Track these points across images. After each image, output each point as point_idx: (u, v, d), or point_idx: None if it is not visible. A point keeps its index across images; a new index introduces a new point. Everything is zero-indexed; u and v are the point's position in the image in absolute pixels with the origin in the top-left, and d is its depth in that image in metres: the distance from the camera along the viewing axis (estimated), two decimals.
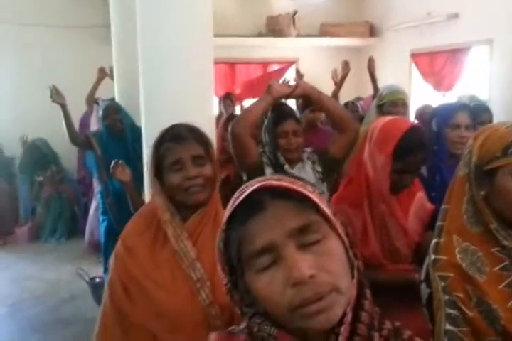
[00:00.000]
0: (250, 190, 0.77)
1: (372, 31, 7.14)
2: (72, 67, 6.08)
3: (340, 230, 0.78)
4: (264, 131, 2.39)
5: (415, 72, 6.36)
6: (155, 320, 1.40)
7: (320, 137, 3.22)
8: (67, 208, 6.22)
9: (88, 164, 4.87)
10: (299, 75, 5.93)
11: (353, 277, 0.77)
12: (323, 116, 3.71)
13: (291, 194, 0.76)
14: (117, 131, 3.55)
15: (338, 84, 4.66)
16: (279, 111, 2.46)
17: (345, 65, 4.61)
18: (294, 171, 2.30)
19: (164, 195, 1.46)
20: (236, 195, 0.79)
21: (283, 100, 4.33)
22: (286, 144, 2.35)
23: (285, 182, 0.77)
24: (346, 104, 4.36)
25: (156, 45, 1.88)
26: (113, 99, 3.76)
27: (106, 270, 3.62)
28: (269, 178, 0.79)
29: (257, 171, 2.27)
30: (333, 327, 0.74)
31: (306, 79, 5.81)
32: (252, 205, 0.76)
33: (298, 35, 7.03)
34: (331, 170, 2.38)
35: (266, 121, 2.42)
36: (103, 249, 3.67)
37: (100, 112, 3.60)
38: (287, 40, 6.95)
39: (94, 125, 5.56)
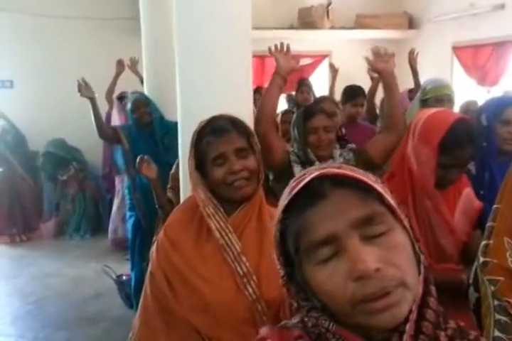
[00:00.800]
0: (309, 177, 0.75)
1: (412, 23, 7.03)
2: (101, 60, 6.12)
3: (406, 222, 0.76)
4: (293, 126, 2.35)
5: (457, 66, 6.23)
6: (199, 314, 1.41)
7: (359, 133, 3.19)
8: (92, 205, 6.32)
9: (116, 159, 4.92)
10: (333, 69, 5.87)
11: (419, 272, 0.75)
12: (364, 111, 3.67)
13: (352, 182, 0.73)
14: (146, 125, 3.57)
15: (378, 79, 4.60)
16: (309, 106, 2.43)
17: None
18: None
19: (206, 188, 1.46)
20: (293, 183, 0.78)
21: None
22: (317, 141, 2.30)
23: (346, 170, 0.75)
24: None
25: (194, 39, 1.87)
26: (142, 92, 3.77)
27: (133, 267, 3.66)
28: (328, 166, 0.78)
29: (284, 170, 2.26)
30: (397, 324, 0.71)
31: (340, 73, 5.78)
32: (312, 194, 0.74)
33: (332, 28, 6.97)
34: None
35: (295, 116, 2.38)
36: (130, 246, 3.70)
37: (129, 105, 3.62)
38: (320, 32, 6.89)
39: (116, 120, 5.63)
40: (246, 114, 1.85)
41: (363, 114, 3.66)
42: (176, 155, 3.55)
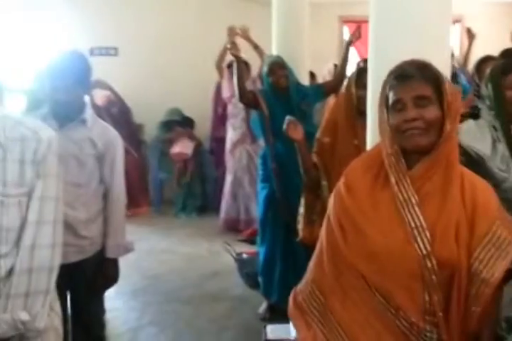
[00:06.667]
0: None
1: None
2: (216, 26, 6.23)
3: None
4: (486, 83, 2.37)
5: None
6: (366, 260, 1.53)
7: None
8: (199, 182, 6.63)
9: (252, 125, 5.11)
10: (470, 35, 5.73)
11: None
12: None
13: None
14: (282, 89, 3.68)
15: None
16: (509, 61, 2.42)
17: None
18: None
19: (392, 136, 1.56)
20: None
21: None
22: None
23: None
24: None
25: (388, 7, 1.94)
26: (278, 55, 3.91)
27: (263, 242, 3.83)
28: None
29: None
30: None
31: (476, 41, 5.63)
32: None
33: None
34: None
35: (488, 73, 2.39)
36: (260, 220, 3.83)
37: (265, 68, 3.74)
38: None
39: (226, 90, 5.84)
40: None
41: None
42: (311, 122, 3.71)
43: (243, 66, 3.76)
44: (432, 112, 1.51)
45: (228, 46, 3.55)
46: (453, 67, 4.19)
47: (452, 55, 4.96)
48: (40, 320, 1.58)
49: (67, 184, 2.41)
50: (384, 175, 1.57)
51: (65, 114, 2.44)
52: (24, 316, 1.54)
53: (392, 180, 1.54)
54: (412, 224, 1.49)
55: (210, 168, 6.68)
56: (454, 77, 4.03)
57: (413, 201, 1.51)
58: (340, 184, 1.66)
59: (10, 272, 1.55)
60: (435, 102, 1.52)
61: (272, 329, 3.38)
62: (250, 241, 5.19)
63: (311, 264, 1.72)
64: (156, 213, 6.63)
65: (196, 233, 5.82)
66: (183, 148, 6.48)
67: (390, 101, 1.56)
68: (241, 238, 5.50)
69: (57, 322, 1.74)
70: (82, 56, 2.50)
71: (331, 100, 4.68)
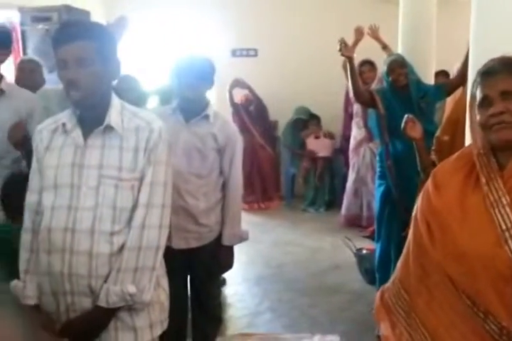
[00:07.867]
0: None
1: None
2: (350, 27, 6.33)
3: None
4: None
5: None
6: (453, 261, 1.48)
7: None
8: (328, 178, 6.74)
9: (369, 124, 5.13)
10: None
11: None
12: None
13: None
14: (402, 87, 3.66)
15: None
16: None
17: None
18: None
19: (481, 135, 1.51)
20: None
21: None
22: None
23: None
24: None
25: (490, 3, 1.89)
26: (399, 54, 3.89)
27: (379, 238, 3.83)
28: None
29: None
30: None
31: None
32: None
33: None
34: None
35: None
36: (377, 216, 3.85)
37: (384, 67, 3.75)
38: None
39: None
40: None
41: None
42: (431, 121, 3.64)
43: (355, 66, 3.77)
44: None
45: (340, 47, 3.55)
46: None
47: None
48: (147, 294, 1.76)
49: (190, 175, 2.66)
50: (475, 175, 1.53)
51: (190, 109, 2.66)
52: (132, 289, 1.71)
53: (483, 180, 1.49)
54: (503, 226, 1.42)
55: (339, 165, 6.75)
56: None
57: (504, 201, 1.44)
58: (429, 183, 1.63)
59: (121, 248, 1.73)
60: None
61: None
62: (373, 237, 5.17)
63: (398, 263, 1.72)
64: (286, 207, 6.86)
65: (322, 227, 5.94)
66: (319, 148, 6.67)
67: (478, 99, 1.52)
68: (364, 234, 5.51)
69: (164, 297, 1.92)
70: (207, 58, 2.73)
71: (457, 94, 4.54)
